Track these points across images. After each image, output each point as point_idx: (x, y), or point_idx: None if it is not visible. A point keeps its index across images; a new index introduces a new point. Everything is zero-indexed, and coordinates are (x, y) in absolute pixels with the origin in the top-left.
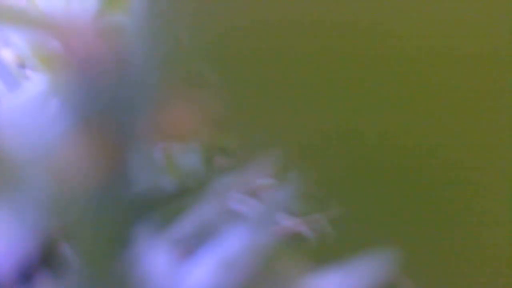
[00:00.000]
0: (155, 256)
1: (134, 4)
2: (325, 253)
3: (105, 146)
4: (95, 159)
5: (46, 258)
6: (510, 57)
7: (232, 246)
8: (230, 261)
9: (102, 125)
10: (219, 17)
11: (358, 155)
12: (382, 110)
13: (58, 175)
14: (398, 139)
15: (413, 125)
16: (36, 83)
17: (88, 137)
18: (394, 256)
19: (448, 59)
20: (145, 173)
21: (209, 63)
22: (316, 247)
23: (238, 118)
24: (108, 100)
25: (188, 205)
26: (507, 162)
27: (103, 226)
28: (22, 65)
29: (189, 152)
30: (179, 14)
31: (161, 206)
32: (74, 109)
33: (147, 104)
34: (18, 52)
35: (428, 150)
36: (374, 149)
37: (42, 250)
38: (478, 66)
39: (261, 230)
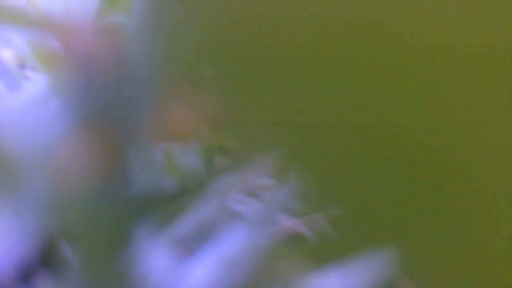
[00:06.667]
0: (155, 256)
1: (134, 4)
2: (325, 253)
3: (105, 146)
4: (95, 159)
5: (46, 258)
6: None
7: (232, 246)
8: (230, 261)
9: (102, 125)
10: (220, 18)
11: (357, 155)
12: (382, 110)
13: (58, 175)
14: (398, 139)
15: (413, 126)
16: (36, 83)
17: (88, 137)
18: (394, 256)
19: (449, 55)
20: (145, 173)
21: (209, 63)
22: (316, 247)
23: (238, 118)
24: (108, 100)
25: (188, 205)
26: (509, 162)
27: (103, 226)
28: (22, 65)
29: (189, 152)
30: (179, 14)
31: (161, 206)
32: (74, 109)
33: (147, 104)
34: (18, 52)
35: (428, 150)
36: (373, 149)
37: (42, 250)
38: (484, 63)
39: (261, 230)
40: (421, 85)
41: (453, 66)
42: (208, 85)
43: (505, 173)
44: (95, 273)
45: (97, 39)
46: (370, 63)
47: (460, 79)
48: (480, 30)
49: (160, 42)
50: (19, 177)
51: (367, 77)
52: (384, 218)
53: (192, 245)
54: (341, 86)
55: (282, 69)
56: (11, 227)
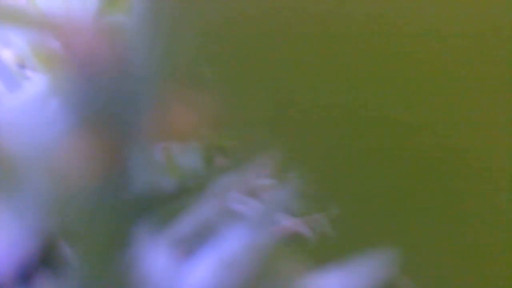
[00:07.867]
0: (155, 256)
1: (134, 4)
2: (325, 253)
3: (105, 146)
4: (95, 159)
5: (46, 258)
6: None
7: (232, 246)
8: (230, 261)
9: (102, 125)
10: (219, 18)
11: (357, 155)
12: (382, 110)
13: (58, 175)
14: (398, 140)
15: (412, 127)
16: (36, 83)
17: (88, 136)
18: (394, 256)
19: (455, 53)
20: (145, 173)
21: (209, 63)
22: (316, 247)
23: (238, 118)
24: (108, 100)
25: (188, 205)
26: (509, 162)
27: (103, 226)
28: (22, 65)
29: (189, 152)
30: (179, 14)
31: (161, 206)
32: (74, 109)
33: (147, 104)
34: (18, 52)
35: (428, 150)
36: (373, 149)
37: (42, 250)
38: (487, 63)
39: (261, 230)
40: (420, 84)
41: (456, 65)
42: (208, 85)
43: (505, 173)
44: (95, 273)
45: (97, 39)
46: (371, 61)
47: (462, 78)
48: (490, 28)
49: (160, 42)
50: (19, 177)
51: (368, 76)
52: (384, 218)
53: (192, 245)
54: (341, 86)
55: (282, 69)
56: (11, 227)
